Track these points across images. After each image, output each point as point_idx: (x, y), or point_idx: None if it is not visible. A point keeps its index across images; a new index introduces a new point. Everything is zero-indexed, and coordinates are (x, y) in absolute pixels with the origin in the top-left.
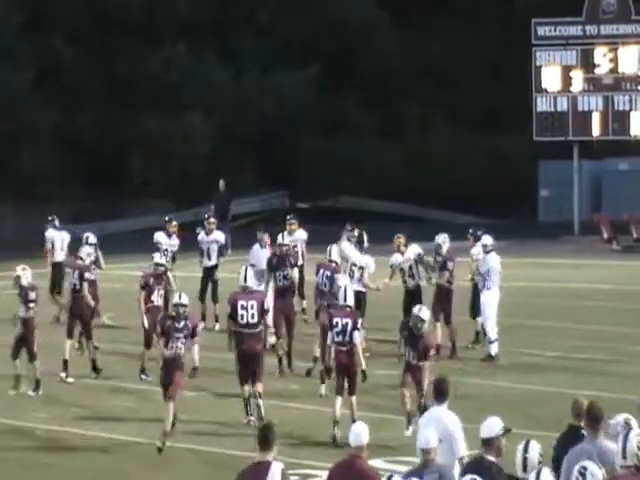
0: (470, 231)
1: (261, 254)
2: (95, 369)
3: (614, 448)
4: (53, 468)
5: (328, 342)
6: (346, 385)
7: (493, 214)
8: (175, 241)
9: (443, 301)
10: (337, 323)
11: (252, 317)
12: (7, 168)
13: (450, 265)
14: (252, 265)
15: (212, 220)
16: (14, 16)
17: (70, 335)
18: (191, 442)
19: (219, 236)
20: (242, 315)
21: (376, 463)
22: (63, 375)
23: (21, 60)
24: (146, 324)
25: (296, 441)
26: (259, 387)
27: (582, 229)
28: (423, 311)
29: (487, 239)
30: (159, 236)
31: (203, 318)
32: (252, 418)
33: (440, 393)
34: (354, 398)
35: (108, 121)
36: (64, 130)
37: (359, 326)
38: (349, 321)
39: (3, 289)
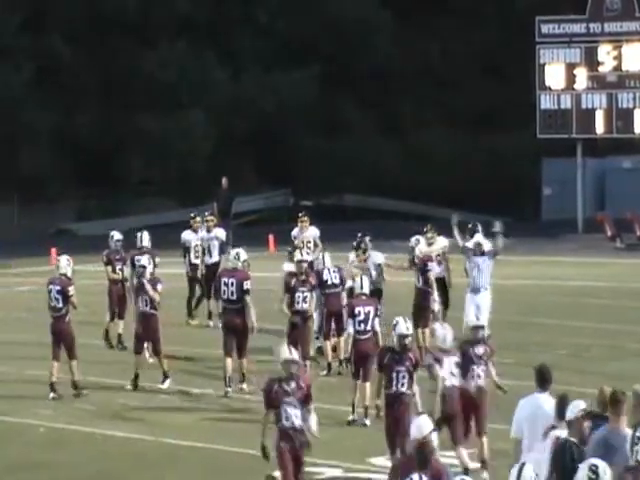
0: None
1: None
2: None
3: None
4: (54, 466)
5: (349, 331)
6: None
7: (496, 212)
8: (203, 234)
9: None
10: (359, 312)
11: (232, 294)
12: (8, 168)
13: (430, 266)
14: None
15: (211, 217)
16: (12, 16)
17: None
18: (193, 440)
19: (219, 233)
20: (224, 291)
21: (379, 461)
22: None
23: (20, 60)
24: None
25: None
26: (244, 362)
27: (586, 227)
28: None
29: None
30: (186, 235)
31: (209, 316)
32: (229, 390)
33: (543, 380)
34: (368, 384)
35: (107, 120)
36: (63, 130)
37: (379, 313)
38: (371, 309)
39: (13, 286)
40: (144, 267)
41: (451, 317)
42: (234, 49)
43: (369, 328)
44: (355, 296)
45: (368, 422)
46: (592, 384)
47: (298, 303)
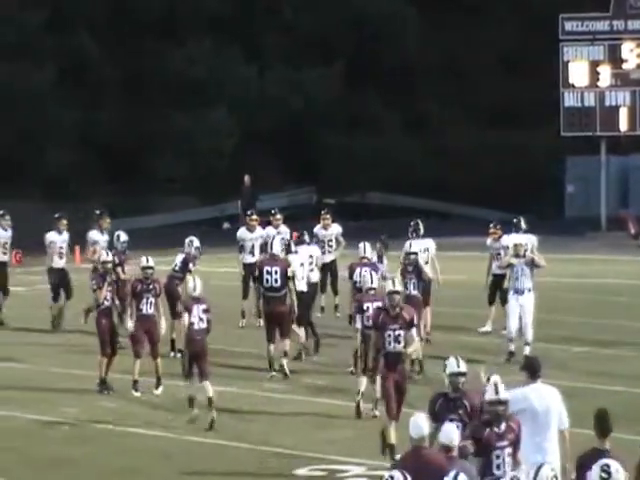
0: (514, 221)
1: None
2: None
3: None
4: (78, 463)
5: (357, 326)
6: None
7: (519, 210)
8: (260, 232)
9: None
10: (368, 308)
11: (275, 282)
12: (33, 167)
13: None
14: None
15: (255, 217)
16: (37, 14)
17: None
18: (216, 437)
19: (261, 232)
20: (267, 279)
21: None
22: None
23: (45, 58)
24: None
25: (323, 436)
26: (285, 345)
27: (609, 225)
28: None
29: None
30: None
31: (243, 315)
32: (274, 373)
33: (533, 370)
34: (379, 378)
35: (132, 118)
36: (88, 127)
37: None
38: (379, 305)
39: (34, 284)
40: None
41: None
42: (259, 46)
43: None
44: (364, 291)
45: (378, 412)
46: (614, 383)
47: (390, 344)
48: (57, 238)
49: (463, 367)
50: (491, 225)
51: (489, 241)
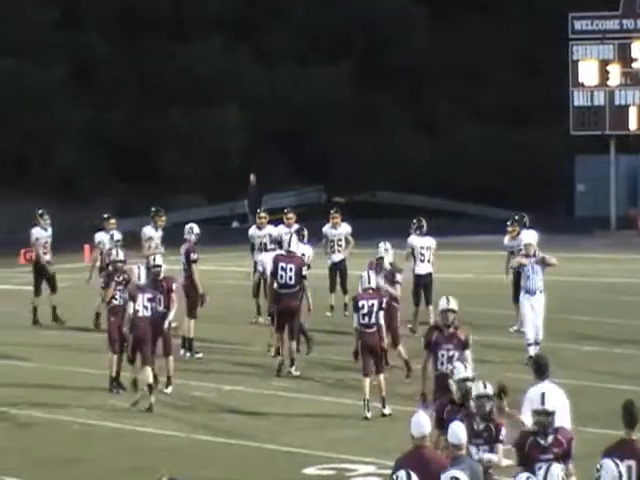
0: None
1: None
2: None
3: None
4: (88, 461)
5: (354, 324)
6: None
7: (528, 209)
8: (269, 230)
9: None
10: (363, 305)
11: (290, 279)
12: (43, 165)
13: (399, 278)
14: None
15: (263, 214)
16: (46, 13)
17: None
18: (225, 436)
19: (272, 230)
20: (281, 275)
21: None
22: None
23: (54, 56)
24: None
25: (332, 435)
26: (293, 346)
27: (618, 224)
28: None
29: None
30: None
31: (258, 311)
32: (292, 370)
33: (540, 371)
34: (382, 376)
35: (141, 116)
36: (97, 126)
37: (384, 306)
38: (375, 302)
39: None
40: (159, 266)
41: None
42: (268, 44)
43: (374, 321)
44: (363, 290)
45: (387, 411)
46: (623, 382)
47: (442, 364)
48: (42, 234)
49: (470, 373)
50: (508, 223)
51: (507, 239)
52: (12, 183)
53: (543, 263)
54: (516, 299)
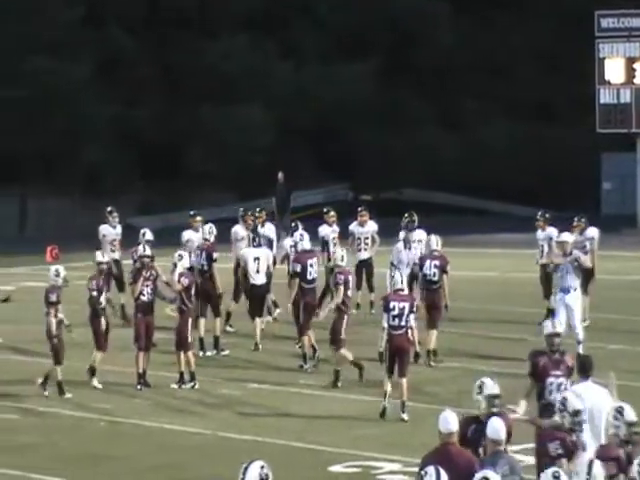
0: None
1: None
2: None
3: None
4: (114, 459)
5: (383, 324)
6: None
7: (555, 207)
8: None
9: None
10: (394, 307)
11: (311, 274)
12: (69, 162)
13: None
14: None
15: (260, 213)
16: (73, 10)
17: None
18: (251, 434)
19: (269, 230)
20: (309, 272)
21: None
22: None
23: (80, 53)
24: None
25: (357, 432)
26: (312, 337)
27: None
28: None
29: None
30: (267, 231)
31: (275, 305)
32: (307, 366)
33: (584, 369)
34: (405, 380)
35: (168, 113)
36: (124, 123)
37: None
38: (406, 305)
39: (71, 280)
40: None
41: None
42: (294, 42)
43: (404, 323)
44: (394, 291)
45: (406, 417)
46: None
47: (551, 393)
48: (110, 231)
49: (497, 389)
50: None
51: (539, 233)
52: (40, 179)
53: (577, 262)
54: (547, 295)
